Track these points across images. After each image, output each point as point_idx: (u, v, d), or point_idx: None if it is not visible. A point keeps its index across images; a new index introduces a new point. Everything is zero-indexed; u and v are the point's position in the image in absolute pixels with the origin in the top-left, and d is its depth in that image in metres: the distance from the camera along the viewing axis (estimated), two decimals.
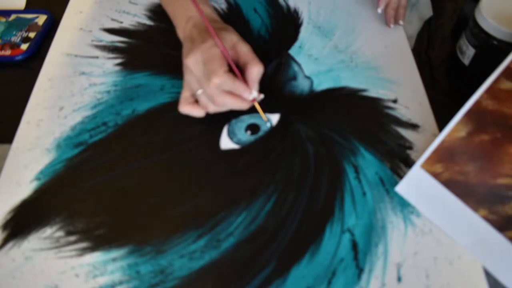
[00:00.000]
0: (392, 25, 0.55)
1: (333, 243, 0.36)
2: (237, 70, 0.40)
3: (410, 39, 0.55)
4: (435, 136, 0.43)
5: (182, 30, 0.44)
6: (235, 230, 0.37)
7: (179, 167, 0.41)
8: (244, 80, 0.41)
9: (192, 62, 0.40)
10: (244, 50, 0.41)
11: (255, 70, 0.40)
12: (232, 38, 0.41)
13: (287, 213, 0.38)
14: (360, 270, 0.35)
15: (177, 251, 0.36)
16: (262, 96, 0.42)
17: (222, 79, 0.38)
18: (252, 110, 0.43)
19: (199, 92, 0.41)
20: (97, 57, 0.50)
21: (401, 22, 0.55)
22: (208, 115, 0.43)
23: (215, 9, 0.46)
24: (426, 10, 0.59)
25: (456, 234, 0.37)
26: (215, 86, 0.39)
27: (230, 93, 0.40)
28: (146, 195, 0.39)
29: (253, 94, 0.40)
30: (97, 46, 0.52)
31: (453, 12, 0.59)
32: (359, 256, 0.36)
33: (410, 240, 0.37)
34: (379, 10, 0.54)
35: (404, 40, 0.54)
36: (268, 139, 0.43)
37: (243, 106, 0.41)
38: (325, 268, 0.35)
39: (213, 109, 0.41)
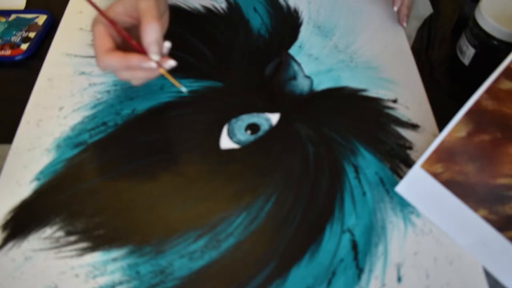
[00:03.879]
0: (405, 24, 0.55)
1: (333, 243, 0.36)
2: (129, 36, 0.37)
3: (408, 39, 0.55)
4: (435, 136, 0.43)
5: None
6: (235, 230, 0.37)
7: (179, 167, 0.41)
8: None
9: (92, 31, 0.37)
10: (142, 7, 0.35)
11: (148, 30, 0.35)
12: (134, 0, 0.36)
13: (287, 213, 0.38)
14: (360, 270, 0.35)
15: (177, 251, 0.36)
16: (172, 62, 0.37)
17: (103, 64, 0.35)
18: (252, 110, 0.43)
19: None
20: None
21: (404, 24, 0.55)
22: (207, 115, 0.43)
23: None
24: (423, 9, 0.59)
25: (456, 234, 0.37)
26: (102, 69, 0.36)
27: (126, 67, 0.36)
28: (146, 195, 0.39)
29: (154, 59, 0.36)
30: None
31: (453, 12, 0.59)
32: (359, 256, 0.36)
33: (410, 240, 0.37)
34: (395, 9, 0.54)
35: (404, 40, 0.54)
36: (268, 139, 0.43)
37: (150, 75, 0.37)
38: (325, 268, 0.35)
39: (134, 84, 0.39)
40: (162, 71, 0.37)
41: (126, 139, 0.43)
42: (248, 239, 0.36)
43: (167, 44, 0.37)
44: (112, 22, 0.36)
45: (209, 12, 0.56)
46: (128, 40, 0.37)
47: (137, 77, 0.37)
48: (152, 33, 0.35)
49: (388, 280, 0.34)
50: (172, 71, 0.39)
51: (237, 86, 0.43)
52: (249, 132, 0.44)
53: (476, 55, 0.47)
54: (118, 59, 0.35)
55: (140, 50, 0.37)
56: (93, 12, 0.37)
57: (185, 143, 0.43)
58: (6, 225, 0.37)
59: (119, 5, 0.37)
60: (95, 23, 0.37)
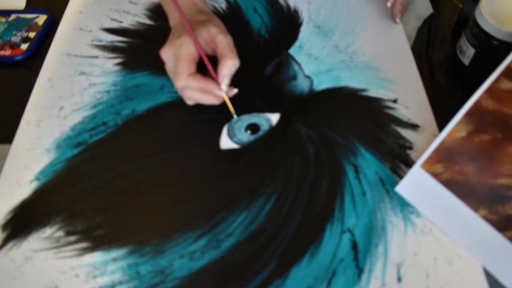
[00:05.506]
0: (398, 20, 0.55)
1: (333, 243, 0.36)
2: (210, 65, 0.40)
3: (408, 39, 0.54)
4: (435, 136, 0.43)
5: (172, 21, 0.45)
6: (235, 230, 0.37)
7: (179, 167, 0.41)
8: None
9: (165, 56, 0.41)
10: (223, 43, 0.40)
11: (227, 64, 0.40)
12: (210, 31, 0.40)
13: (287, 213, 0.38)
14: (360, 270, 0.35)
15: (177, 251, 0.36)
16: (235, 90, 0.42)
17: (184, 84, 0.39)
18: (252, 110, 0.43)
19: None
20: (97, 57, 0.50)
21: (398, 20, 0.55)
22: (207, 115, 0.43)
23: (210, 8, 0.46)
24: (423, 9, 0.59)
25: (456, 234, 0.37)
26: (178, 88, 0.40)
27: (201, 90, 0.40)
28: (146, 195, 0.39)
29: (223, 90, 0.41)
30: (97, 46, 0.52)
31: (453, 12, 0.59)
32: (359, 256, 0.36)
33: (410, 240, 0.37)
34: (389, 4, 0.54)
35: (404, 40, 0.54)
36: (268, 139, 0.43)
37: (215, 101, 0.42)
38: (325, 268, 0.35)
39: (188, 103, 0.43)
40: (225, 97, 0.42)
41: (126, 139, 0.43)
42: (248, 239, 0.36)
43: (235, 90, 0.43)
44: (200, 48, 0.39)
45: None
46: (208, 67, 0.40)
47: (203, 100, 0.42)
48: (230, 69, 0.40)
49: (388, 280, 0.34)
50: None
51: (237, 86, 0.43)
52: (249, 132, 0.43)
53: (476, 55, 0.47)
54: (199, 82, 0.40)
55: (215, 77, 0.41)
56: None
57: (185, 143, 0.43)
58: (6, 225, 0.37)
59: (204, 33, 0.40)
60: (181, 44, 0.40)
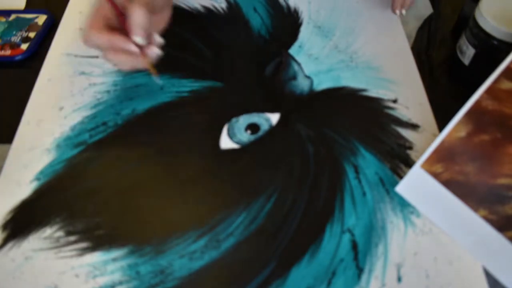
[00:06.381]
0: (397, 12, 0.55)
1: (333, 243, 0.36)
2: (122, 17, 0.37)
3: (408, 39, 0.54)
4: (435, 136, 0.43)
5: None
6: (235, 230, 0.37)
7: (179, 167, 0.41)
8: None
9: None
10: None
11: (136, 12, 0.36)
12: None
13: (287, 213, 0.38)
14: (360, 270, 0.35)
15: (177, 251, 0.36)
16: (155, 50, 0.38)
17: (89, 39, 0.36)
18: (252, 110, 0.43)
19: None
20: (97, 57, 0.50)
21: (403, 11, 0.54)
22: (207, 115, 0.43)
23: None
24: (423, 9, 0.59)
25: (456, 234, 0.37)
26: (87, 45, 0.37)
27: (111, 47, 0.37)
28: (146, 195, 0.39)
29: (136, 40, 0.36)
30: None
31: (453, 12, 0.59)
32: (359, 256, 0.36)
33: (410, 240, 0.37)
34: None
35: (404, 40, 0.54)
36: (268, 139, 0.43)
37: (131, 62, 0.38)
38: (325, 268, 0.35)
39: (121, 67, 0.40)
40: (142, 57, 0.37)
41: (126, 139, 0.43)
42: (248, 239, 0.36)
43: (159, 39, 0.37)
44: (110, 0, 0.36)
45: (209, 12, 0.56)
46: (119, 17, 0.37)
47: (120, 61, 0.37)
48: (137, 17, 0.36)
49: (388, 280, 0.34)
50: (173, 71, 0.39)
51: (237, 86, 0.43)
52: (249, 132, 0.43)
53: (476, 55, 0.47)
54: (103, 38, 0.36)
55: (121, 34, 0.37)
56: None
57: (185, 143, 0.43)
58: (6, 225, 0.37)
59: None
60: (95, 4, 0.37)
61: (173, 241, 0.36)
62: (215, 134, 0.43)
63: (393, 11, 0.55)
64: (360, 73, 0.50)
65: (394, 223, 0.38)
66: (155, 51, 0.37)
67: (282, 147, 0.43)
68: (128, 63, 0.38)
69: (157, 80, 0.39)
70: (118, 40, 0.36)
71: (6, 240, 0.36)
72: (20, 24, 0.54)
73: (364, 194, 0.39)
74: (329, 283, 0.34)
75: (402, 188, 0.39)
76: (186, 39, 0.52)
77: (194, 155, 0.42)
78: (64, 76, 0.48)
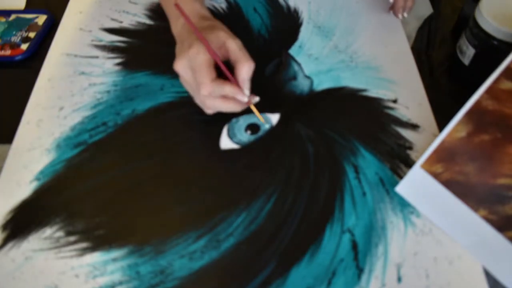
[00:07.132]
0: (400, 16, 0.55)
1: (333, 243, 0.36)
2: (228, 72, 0.39)
3: (408, 39, 0.55)
4: (435, 136, 0.43)
5: (174, 27, 0.43)
6: (235, 230, 0.37)
7: (179, 167, 0.41)
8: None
9: (180, 68, 0.39)
10: (234, 47, 0.39)
11: (245, 69, 0.39)
12: (219, 37, 0.39)
13: (287, 213, 0.38)
14: (360, 270, 0.35)
15: (177, 251, 0.36)
16: (257, 98, 0.41)
17: (209, 90, 0.38)
18: (251, 110, 0.43)
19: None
20: (97, 57, 0.50)
21: (405, 14, 0.55)
22: (207, 115, 0.43)
23: (210, 9, 0.46)
24: (423, 10, 0.59)
25: (456, 234, 0.37)
26: (204, 96, 0.39)
27: (224, 97, 0.39)
28: (146, 195, 0.39)
29: (246, 94, 0.39)
30: (97, 46, 0.52)
31: (453, 12, 0.59)
32: (359, 256, 0.36)
33: (410, 240, 0.37)
34: (391, 0, 0.55)
35: (404, 40, 0.54)
36: (268, 139, 0.43)
37: (237, 108, 0.40)
38: (325, 268, 0.35)
39: (209, 112, 0.42)
40: (251, 106, 0.41)
41: (126, 139, 0.43)
42: (248, 239, 0.36)
43: (257, 98, 0.41)
44: (216, 55, 0.38)
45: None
46: (226, 73, 0.39)
47: (225, 107, 0.40)
48: (247, 72, 0.39)
49: (388, 280, 0.34)
50: (170, 69, 0.39)
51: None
52: (249, 132, 0.43)
53: (476, 55, 0.47)
54: (220, 86, 0.38)
55: (234, 83, 0.40)
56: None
57: (185, 143, 0.43)
58: (6, 225, 0.37)
59: (213, 39, 0.39)
60: (197, 53, 0.38)
61: (173, 241, 0.36)
62: (215, 134, 0.43)
63: (395, 15, 0.55)
64: (360, 73, 0.50)
65: (394, 223, 0.38)
66: (256, 100, 0.41)
67: (282, 147, 0.43)
68: (230, 108, 0.40)
69: (266, 125, 0.44)
70: (233, 91, 0.39)
71: (6, 240, 0.36)
72: (20, 24, 0.54)
73: (364, 194, 0.39)
74: (329, 283, 0.34)
75: (402, 188, 0.39)
76: None
77: (194, 155, 0.42)
78: (64, 76, 0.48)
